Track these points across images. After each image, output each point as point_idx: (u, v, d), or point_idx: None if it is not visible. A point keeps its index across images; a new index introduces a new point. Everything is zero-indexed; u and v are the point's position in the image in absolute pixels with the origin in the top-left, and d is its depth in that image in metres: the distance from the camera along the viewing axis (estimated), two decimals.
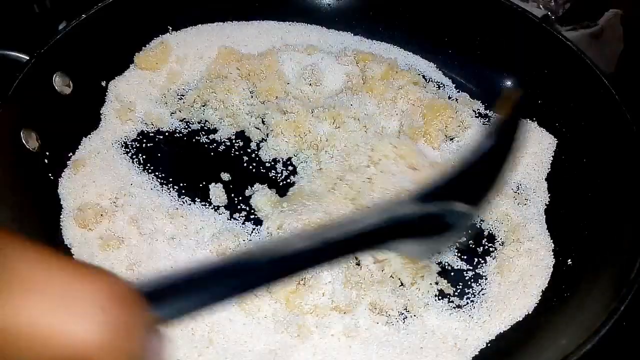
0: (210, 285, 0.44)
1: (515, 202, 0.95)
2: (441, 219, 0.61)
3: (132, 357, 0.37)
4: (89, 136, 0.97)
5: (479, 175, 0.64)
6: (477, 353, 0.79)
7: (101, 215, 0.87)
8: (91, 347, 0.34)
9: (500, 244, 0.91)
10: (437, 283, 0.85)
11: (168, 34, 1.10)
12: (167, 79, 1.06)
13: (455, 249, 0.89)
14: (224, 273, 0.45)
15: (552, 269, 0.88)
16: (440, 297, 0.85)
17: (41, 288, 0.34)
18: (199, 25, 1.13)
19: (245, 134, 1.01)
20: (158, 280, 0.42)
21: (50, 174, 0.91)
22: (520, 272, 0.87)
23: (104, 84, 1.03)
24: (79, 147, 0.95)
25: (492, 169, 0.65)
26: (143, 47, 1.08)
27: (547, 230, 0.92)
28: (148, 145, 0.98)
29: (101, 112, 1.01)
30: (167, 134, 1.00)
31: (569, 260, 0.88)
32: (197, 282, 0.44)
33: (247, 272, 0.46)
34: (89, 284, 0.36)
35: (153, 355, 0.40)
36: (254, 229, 0.89)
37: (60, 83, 0.95)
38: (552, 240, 0.91)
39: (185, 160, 0.97)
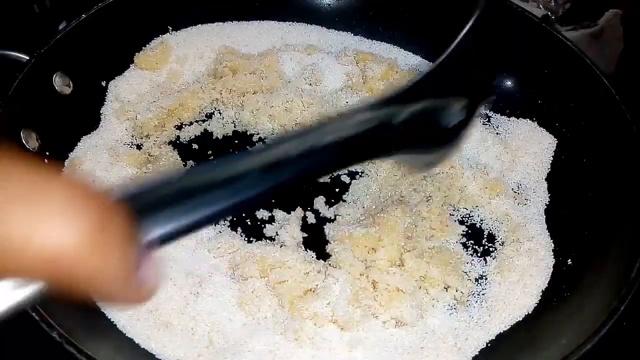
0: (201, 196, 0.41)
1: (515, 202, 0.95)
2: (437, 117, 0.53)
3: (114, 264, 0.37)
4: (88, 136, 0.97)
5: (468, 67, 0.57)
6: (477, 353, 0.79)
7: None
8: (69, 248, 0.34)
9: (500, 244, 0.91)
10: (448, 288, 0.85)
11: (168, 34, 1.10)
12: (168, 79, 1.06)
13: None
14: (216, 182, 0.41)
15: (552, 269, 0.88)
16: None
17: (18, 194, 0.34)
18: (199, 25, 1.13)
19: (248, 132, 1.01)
20: (144, 187, 0.40)
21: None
22: (520, 272, 0.87)
23: (104, 84, 1.03)
24: (77, 146, 0.95)
25: (481, 60, 0.58)
26: (143, 47, 1.08)
27: (547, 230, 0.92)
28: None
29: (101, 112, 1.01)
30: None
31: (569, 260, 0.88)
32: (186, 191, 0.40)
33: (239, 181, 0.42)
34: (67, 190, 0.36)
35: (142, 271, 0.39)
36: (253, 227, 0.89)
37: (60, 83, 0.95)
38: (552, 240, 0.91)
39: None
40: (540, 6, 1.25)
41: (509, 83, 1.10)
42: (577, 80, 1.00)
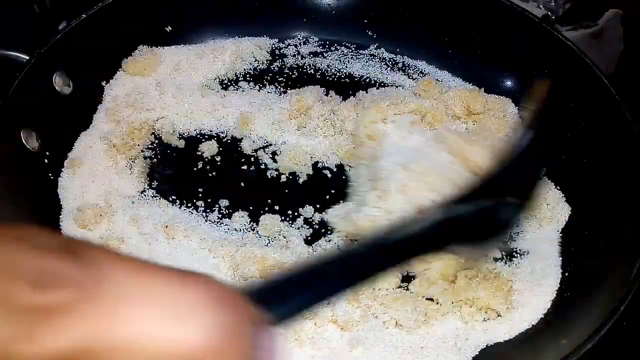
0: (311, 285, 0.47)
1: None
2: (495, 215, 0.60)
3: (244, 357, 0.36)
4: (83, 135, 0.97)
5: (522, 169, 0.65)
6: (477, 353, 0.79)
7: (100, 215, 0.87)
8: (200, 351, 0.34)
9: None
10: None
11: (160, 47, 1.08)
12: (155, 86, 1.04)
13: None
14: (322, 273, 0.47)
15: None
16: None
17: (145, 297, 0.34)
18: (192, 44, 1.12)
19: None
20: (263, 282, 0.44)
21: (50, 174, 0.91)
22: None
23: (104, 84, 1.03)
24: (75, 147, 0.95)
25: (532, 161, 0.66)
26: (131, 54, 1.06)
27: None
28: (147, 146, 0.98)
29: (97, 111, 1.00)
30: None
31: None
32: (298, 282, 0.46)
33: (340, 272, 0.48)
34: (193, 288, 0.35)
35: (266, 354, 0.39)
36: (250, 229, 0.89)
37: (60, 83, 0.95)
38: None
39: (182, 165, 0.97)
40: (540, 6, 1.25)
41: (509, 83, 1.10)
42: (577, 80, 1.00)
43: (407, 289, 0.82)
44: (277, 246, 0.85)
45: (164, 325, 0.33)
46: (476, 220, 0.58)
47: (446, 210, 0.56)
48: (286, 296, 0.45)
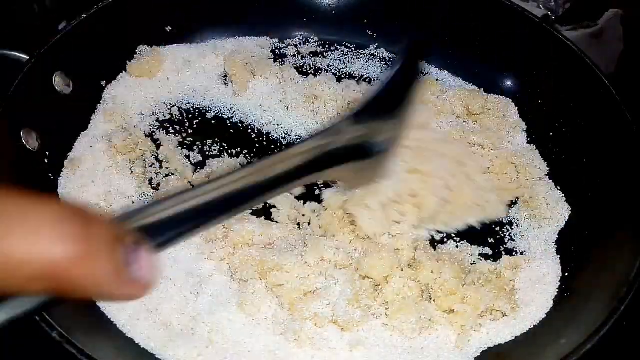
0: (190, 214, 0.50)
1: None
2: (368, 145, 0.68)
3: (111, 269, 0.40)
4: (82, 135, 0.97)
5: (393, 97, 0.73)
6: (478, 354, 0.79)
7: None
8: (63, 260, 0.37)
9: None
10: None
11: (161, 47, 1.08)
12: (161, 88, 1.05)
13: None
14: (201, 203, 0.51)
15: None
16: None
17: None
18: (193, 44, 1.12)
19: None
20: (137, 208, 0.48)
21: (50, 174, 0.91)
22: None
23: (103, 83, 1.03)
24: (75, 146, 0.95)
25: (402, 90, 0.74)
26: (135, 57, 1.05)
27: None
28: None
29: (95, 112, 1.00)
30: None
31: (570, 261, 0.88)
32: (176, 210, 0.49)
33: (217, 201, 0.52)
34: (44, 207, 0.38)
35: (141, 272, 0.42)
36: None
37: (60, 83, 0.95)
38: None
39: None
40: (540, 6, 1.25)
41: (509, 83, 1.10)
42: (577, 80, 1.00)
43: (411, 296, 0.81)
44: (275, 249, 0.85)
45: (22, 239, 0.36)
46: (349, 151, 0.66)
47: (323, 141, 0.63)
48: (166, 224, 0.48)
